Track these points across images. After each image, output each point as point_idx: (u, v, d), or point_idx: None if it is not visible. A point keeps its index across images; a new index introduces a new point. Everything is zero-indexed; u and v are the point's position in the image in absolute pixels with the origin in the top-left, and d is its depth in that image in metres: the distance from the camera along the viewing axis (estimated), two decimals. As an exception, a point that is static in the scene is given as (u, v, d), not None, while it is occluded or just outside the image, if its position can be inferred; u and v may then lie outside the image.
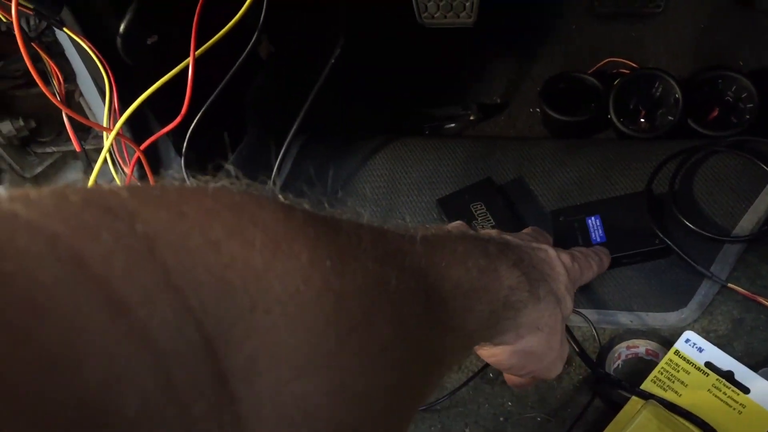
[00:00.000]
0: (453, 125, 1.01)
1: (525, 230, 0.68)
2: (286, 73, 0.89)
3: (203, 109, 0.70)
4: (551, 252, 0.56)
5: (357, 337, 0.27)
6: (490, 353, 0.50)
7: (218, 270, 0.23)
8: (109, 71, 0.67)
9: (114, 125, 0.67)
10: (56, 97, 0.70)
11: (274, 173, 0.93)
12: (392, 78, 1.04)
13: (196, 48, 0.66)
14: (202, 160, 0.85)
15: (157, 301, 0.21)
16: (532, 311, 0.47)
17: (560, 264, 0.55)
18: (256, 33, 0.72)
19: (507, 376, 0.59)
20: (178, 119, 0.67)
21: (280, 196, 0.29)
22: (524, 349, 0.48)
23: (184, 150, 0.77)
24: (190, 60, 0.65)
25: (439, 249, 0.38)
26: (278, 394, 0.25)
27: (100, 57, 0.66)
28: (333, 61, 0.73)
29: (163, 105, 0.74)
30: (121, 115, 0.67)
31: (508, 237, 0.54)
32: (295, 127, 0.83)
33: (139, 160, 0.72)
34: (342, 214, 0.32)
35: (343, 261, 0.28)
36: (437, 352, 0.35)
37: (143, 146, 0.71)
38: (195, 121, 0.73)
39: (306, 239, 0.27)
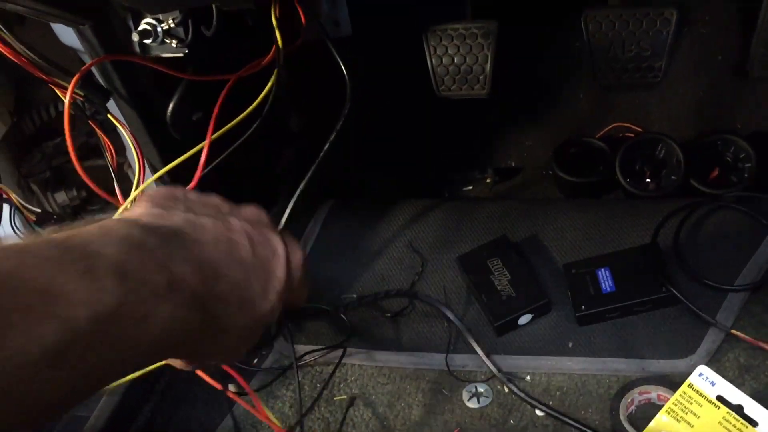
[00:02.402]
0: (471, 188, 1.07)
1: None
2: (313, 144, 0.96)
3: (202, 172, 0.75)
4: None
5: None
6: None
7: None
8: (139, 150, 0.75)
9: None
10: (109, 168, 0.78)
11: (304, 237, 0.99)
12: (413, 146, 1.11)
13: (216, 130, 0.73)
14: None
15: None
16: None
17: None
18: (264, 109, 0.77)
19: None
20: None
21: None
22: None
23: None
24: (205, 144, 0.72)
25: None
26: None
27: (133, 138, 0.74)
28: (338, 128, 0.80)
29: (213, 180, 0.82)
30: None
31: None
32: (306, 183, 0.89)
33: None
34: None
35: None
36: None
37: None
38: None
39: None
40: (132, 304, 0.32)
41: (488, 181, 1.05)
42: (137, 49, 0.72)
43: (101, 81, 0.75)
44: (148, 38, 0.71)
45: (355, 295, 0.90)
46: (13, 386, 0.27)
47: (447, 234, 0.93)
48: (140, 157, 0.77)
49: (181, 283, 0.35)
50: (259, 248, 0.42)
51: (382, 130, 1.11)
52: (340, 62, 0.79)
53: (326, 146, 0.89)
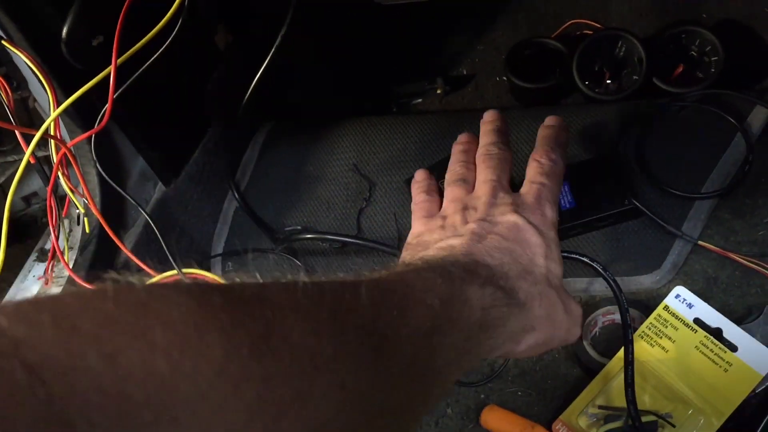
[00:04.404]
0: (420, 100, 0.99)
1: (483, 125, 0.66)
2: (245, 62, 0.87)
3: (115, 94, 0.67)
4: (519, 221, 0.52)
5: (289, 420, 0.26)
6: (505, 355, 0.49)
7: (115, 387, 0.22)
8: (48, 78, 0.66)
9: (59, 132, 0.66)
10: (5, 106, 0.69)
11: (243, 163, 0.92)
12: (356, 59, 1.02)
13: (120, 54, 0.64)
14: (166, 158, 0.84)
15: None
16: (519, 317, 0.45)
17: (531, 230, 0.52)
18: (176, 29, 0.68)
19: None
20: (101, 125, 0.66)
21: (204, 273, 0.28)
22: (530, 346, 0.48)
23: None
24: (111, 68, 0.63)
25: (389, 293, 0.36)
26: None
27: (38, 64, 0.65)
28: (279, 39, 0.72)
29: (131, 107, 0.74)
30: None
31: (473, 247, 0.49)
32: (242, 106, 0.81)
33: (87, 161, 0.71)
34: (279, 279, 0.31)
35: (267, 342, 0.26)
36: (399, 404, 0.34)
37: (70, 144, 0.70)
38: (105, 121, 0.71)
39: (220, 329, 0.25)
40: (458, 290, 0.40)
41: (438, 91, 0.97)
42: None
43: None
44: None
45: (299, 227, 0.84)
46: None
47: (395, 154, 0.86)
48: (50, 85, 0.68)
49: (477, 268, 0.45)
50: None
51: (317, 45, 1.02)
52: None
53: (267, 60, 0.81)
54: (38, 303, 0.24)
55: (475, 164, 0.60)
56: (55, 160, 0.67)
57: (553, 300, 0.49)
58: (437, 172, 0.78)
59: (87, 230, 0.77)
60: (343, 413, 0.29)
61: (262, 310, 0.27)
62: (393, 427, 0.33)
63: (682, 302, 0.63)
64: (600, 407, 0.61)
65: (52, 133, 0.68)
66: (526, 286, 0.47)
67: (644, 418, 0.58)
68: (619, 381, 0.60)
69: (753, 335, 0.60)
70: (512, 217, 0.53)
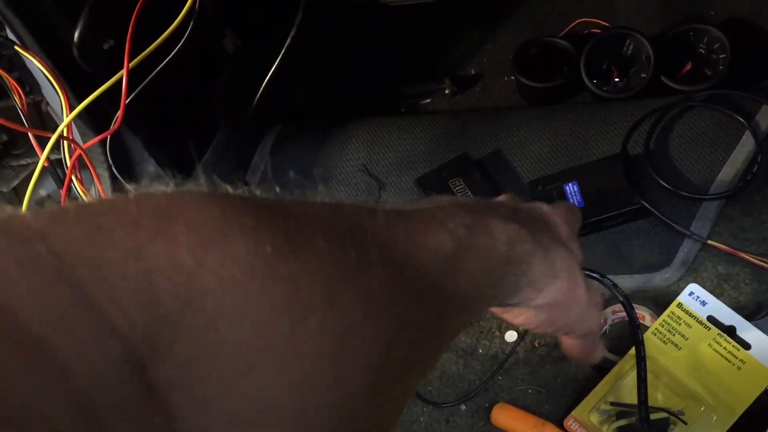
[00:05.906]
0: (429, 100, 1.00)
1: (500, 197, 0.68)
2: (252, 65, 0.88)
3: (128, 98, 0.67)
4: (544, 207, 0.53)
5: (317, 320, 0.26)
6: (514, 314, 0.47)
7: (142, 276, 0.22)
8: (60, 82, 0.66)
9: (71, 135, 0.67)
10: (18, 110, 0.70)
11: (257, 165, 0.93)
12: (363, 59, 1.03)
13: (132, 58, 0.64)
14: (176, 160, 0.84)
15: (69, 325, 0.20)
16: (542, 261, 0.44)
17: (556, 215, 0.53)
18: (187, 32, 0.68)
19: (566, 349, 0.54)
20: (114, 127, 0.67)
21: (226, 186, 0.28)
22: (547, 302, 0.45)
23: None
24: (123, 73, 0.64)
25: (407, 218, 0.36)
26: (226, 395, 0.24)
27: (50, 69, 0.65)
28: (289, 41, 0.72)
29: (142, 110, 0.74)
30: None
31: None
32: (251, 108, 0.82)
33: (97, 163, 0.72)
34: (293, 197, 0.31)
35: (291, 243, 0.26)
36: (425, 324, 0.33)
37: (86, 146, 0.70)
38: (121, 119, 0.72)
39: (243, 228, 0.25)
40: (481, 221, 0.39)
41: (446, 92, 0.97)
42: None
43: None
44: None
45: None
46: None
47: (404, 154, 0.86)
48: (62, 89, 0.68)
49: (500, 207, 0.45)
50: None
51: (326, 46, 1.02)
52: None
53: (276, 62, 0.81)
54: (62, 205, 0.24)
55: None
56: (68, 163, 0.68)
57: (575, 269, 0.47)
58: (447, 171, 0.79)
59: (100, 233, 0.77)
60: (369, 322, 0.28)
61: (283, 215, 0.28)
62: (418, 348, 0.33)
63: (696, 300, 0.63)
64: (612, 404, 0.61)
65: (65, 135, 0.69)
66: (549, 237, 0.46)
67: (656, 415, 0.58)
68: (631, 378, 0.60)
69: (766, 333, 0.60)
70: (542, 204, 0.54)
